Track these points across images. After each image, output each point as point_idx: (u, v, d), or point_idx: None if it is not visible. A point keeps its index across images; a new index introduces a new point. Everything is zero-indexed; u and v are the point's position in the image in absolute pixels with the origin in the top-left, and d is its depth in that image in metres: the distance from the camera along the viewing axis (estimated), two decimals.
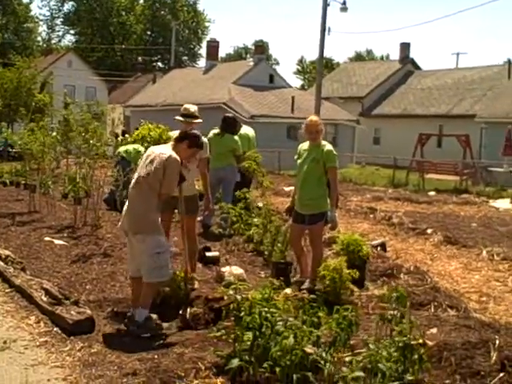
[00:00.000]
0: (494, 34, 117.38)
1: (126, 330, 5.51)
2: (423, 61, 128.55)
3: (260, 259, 8.48)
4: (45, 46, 65.76)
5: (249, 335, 4.32)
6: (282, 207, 10.63)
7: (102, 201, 10.89)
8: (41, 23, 70.40)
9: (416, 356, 3.78)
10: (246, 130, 11.32)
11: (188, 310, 5.92)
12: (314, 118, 7.32)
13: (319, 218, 6.91)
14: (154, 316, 5.59)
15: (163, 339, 5.31)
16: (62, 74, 46.35)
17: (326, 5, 27.75)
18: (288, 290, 6.09)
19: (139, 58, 65.37)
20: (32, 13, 67.34)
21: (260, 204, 10.10)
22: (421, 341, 3.82)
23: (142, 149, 7.81)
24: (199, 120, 6.80)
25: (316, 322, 4.45)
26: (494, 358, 4.37)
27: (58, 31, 72.84)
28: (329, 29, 28.31)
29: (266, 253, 8.44)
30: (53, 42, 70.29)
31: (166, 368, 4.49)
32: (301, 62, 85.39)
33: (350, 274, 6.40)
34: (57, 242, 8.96)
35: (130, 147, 11.42)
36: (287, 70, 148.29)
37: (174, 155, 5.57)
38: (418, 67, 46.68)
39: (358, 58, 79.65)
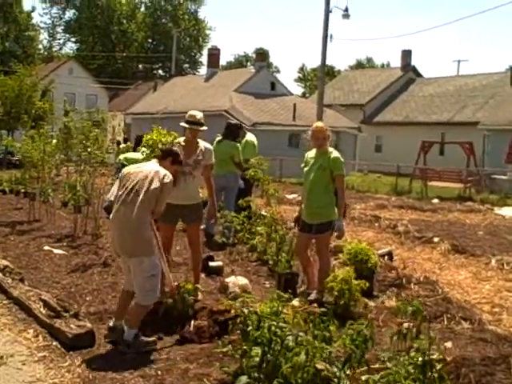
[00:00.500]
0: (495, 41, 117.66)
1: (112, 343, 5.31)
2: (424, 68, 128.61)
3: (264, 269, 8.28)
4: (46, 53, 65.74)
5: (257, 351, 4.10)
6: (286, 215, 10.48)
7: (103, 209, 10.65)
8: (42, 31, 70.52)
9: (436, 374, 3.56)
10: (250, 136, 11.17)
11: (192, 322, 5.72)
12: (320, 124, 7.13)
13: (327, 226, 6.71)
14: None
15: (167, 353, 5.10)
16: (63, 82, 46.26)
17: (328, 12, 27.62)
18: (295, 302, 5.88)
19: (140, 66, 65.32)
20: (33, 21, 67.43)
21: (264, 212, 9.89)
22: (441, 356, 3.61)
23: (141, 157, 7.60)
24: (205, 127, 6.61)
25: (327, 337, 4.24)
26: None
27: (59, 39, 73.05)
28: (331, 36, 28.17)
29: (270, 262, 8.25)
30: (54, 49, 70.39)
31: None
32: (302, 69, 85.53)
33: (359, 285, 6.19)
34: (56, 251, 8.77)
35: (130, 155, 11.22)
36: (288, 78, 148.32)
37: (169, 174, 5.45)
38: (419, 74, 46.62)
39: (359, 65, 79.73)
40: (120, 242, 5.33)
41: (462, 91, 39.47)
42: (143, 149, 7.57)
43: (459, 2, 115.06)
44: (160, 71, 72.89)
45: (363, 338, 3.85)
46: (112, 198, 5.31)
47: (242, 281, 6.98)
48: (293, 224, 7.93)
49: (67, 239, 9.58)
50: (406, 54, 46.00)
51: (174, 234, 6.87)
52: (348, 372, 3.82)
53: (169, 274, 5.66)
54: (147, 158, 6.63)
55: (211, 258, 8.05)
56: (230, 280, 6.96)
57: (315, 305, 5.78)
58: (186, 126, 6.59)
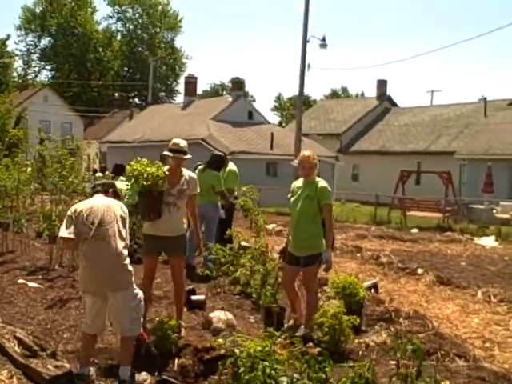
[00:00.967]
0: (468, 71, 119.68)
1: None
2: (399, 98, 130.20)
3: (248, 302, 8.01)
4: (21, 81, 65.15)
5: None
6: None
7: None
8: (17, 58, 69.93)
9: None
10: (232, 166, 11.06)
11: (175, 361, 5.43)
12: (307, 153, 6.86)
13: (315, 259, 6.49)
14: None
15: None
16: (38, 110, 45.88)
17: (305, 41, 27.73)
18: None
19: (116, 94, 65.02)
20: (8, 48, 66.90)
21: (244, 243, 9.63)
22: None
23: (125, 187, 7.29)
24: (189, 156, 6.38)
25: (323, 379, 4.01)
26: None
27: (35, 67, 72.39)
28: (308, 65, 28.27)
29: (254, 295, 7.99)
30: (29, 77, 69.73)
31: None
32: (278, 98, 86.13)
33: (349, 321, 5.97)
34: (31, 284, 8.39)
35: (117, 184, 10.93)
36: (264, 107, 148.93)
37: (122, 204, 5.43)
38: (394, 104, 47.06)
39: (334, 95, 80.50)
40: (102, 278, 5.00)
41: (437, 121, 39.87)
42: (122, 178, 7.31)
43: (434, 33, 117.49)
44: (136, 99, 72.69)
45: (365, 381, 3.61)
46: (73, 236, 4.99)
47: (227, 316, 6.71)
48: (277, 256, 7.69)
49: (42, 271, 9.20)
50: (382, 84, 46.43)
51: (156, 265, 6.59)
52: None
53: None
54: (132, 189, 6.38)
55: (193, 292, 7.76)
56: (215, 315, 6.68)
57: (311, 344, 5.53)
58: (170, 154, 6.35)
